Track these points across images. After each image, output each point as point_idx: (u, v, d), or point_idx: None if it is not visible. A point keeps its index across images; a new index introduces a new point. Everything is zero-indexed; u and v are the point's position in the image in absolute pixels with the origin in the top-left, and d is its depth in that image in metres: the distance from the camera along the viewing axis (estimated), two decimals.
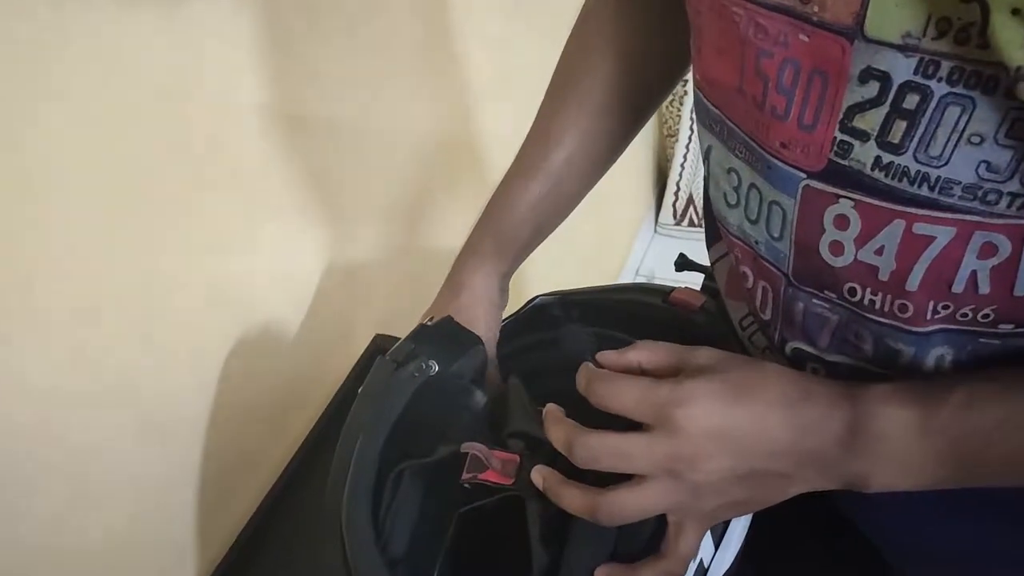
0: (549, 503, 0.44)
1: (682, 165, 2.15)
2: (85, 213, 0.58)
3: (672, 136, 2.12)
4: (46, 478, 0.59)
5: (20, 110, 0.53)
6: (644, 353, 0.46)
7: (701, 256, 0.74)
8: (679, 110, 2.07)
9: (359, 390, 0.52)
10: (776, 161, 0.43)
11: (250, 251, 0.77)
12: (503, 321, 0.64)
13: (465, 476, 0.46)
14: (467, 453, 0.47)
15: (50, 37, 0.53)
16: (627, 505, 0.42)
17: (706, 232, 0.66)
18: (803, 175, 0.42)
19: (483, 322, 0.59)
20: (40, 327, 0.56)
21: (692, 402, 0.41)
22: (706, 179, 0.54)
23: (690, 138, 2.11)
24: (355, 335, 0.98)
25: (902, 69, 0.35)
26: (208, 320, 0.73)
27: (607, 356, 0.47)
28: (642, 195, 2.23)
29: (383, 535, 0.48)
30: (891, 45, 0.35)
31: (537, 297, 0.66)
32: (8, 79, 0.51)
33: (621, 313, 0.64)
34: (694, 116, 2.24)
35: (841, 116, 0.38)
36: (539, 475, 0.45)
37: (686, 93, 2.03)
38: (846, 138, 0.39)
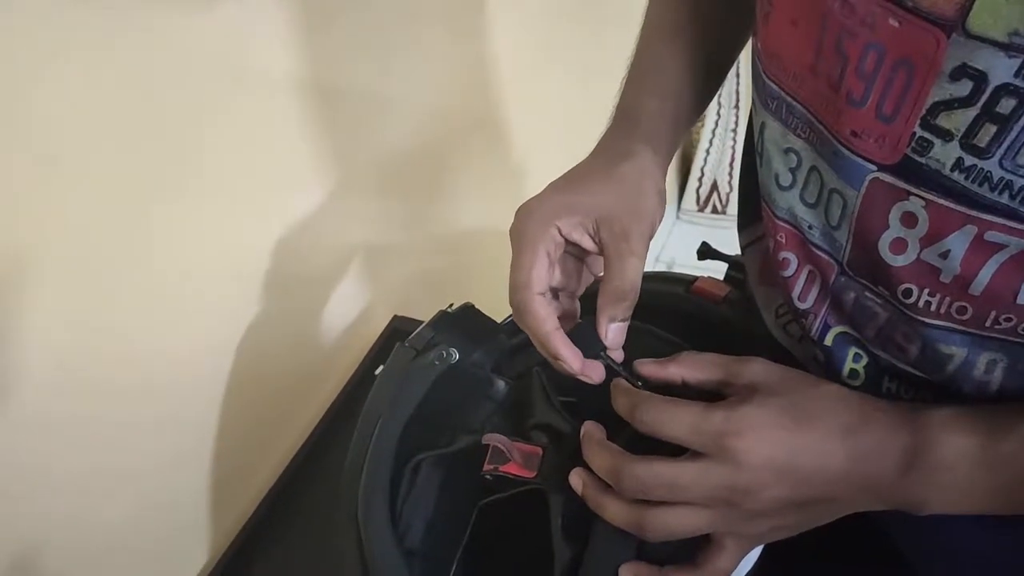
0: (571, 497, 0.43)
1: (707, 151, 2.12)
2: (103, 189, 0.58)
3: (698, 120, 2.09)
4: (57, 461, 0.59)
5: (49, 87, 0.52)
6: (687, 369, 0.44)
7: (723, 244, 0.72)
8: None
9: (376, 374, 0.51)
10: (844, 149, 0.41)
11: (266, 229, 0.76)
12: None
13: (486, 468, 0.45)
14: (488, 444, 0.46)
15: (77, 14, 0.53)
16: (675, 525, 0.41)
17: (739, 214, 0.64)
18: (873, 167, 0.40)
19: (650, 198, 0.49)
20: (46, 308, 0.56)
21: (749, 431, 0.39)
22: (757, 157, 0.51)
23: (716, 123, 2.08)
24: (373, 315, 0.97)
25: (1002, 70, 0.33)
26: (223, 298, 0.72)
27: (647, 366, 0.45)
28: (666, 180, 2.21)
29: (400, 525, 0.48)
30: (994, 43, 0.32)
31: None
32: (40, 53, 0.51)
33: (643, 301, 0.62)
34: (728, 96, 2.17)
35: (924, 112, 0.36)
36: (578, 479, 0.44)
37: None
38: (927, 135, 0.37)
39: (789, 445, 0.39)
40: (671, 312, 0.61)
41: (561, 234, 0.47)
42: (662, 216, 0.50)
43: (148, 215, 0.62)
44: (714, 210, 2.20)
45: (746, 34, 0.62)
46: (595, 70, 1.45)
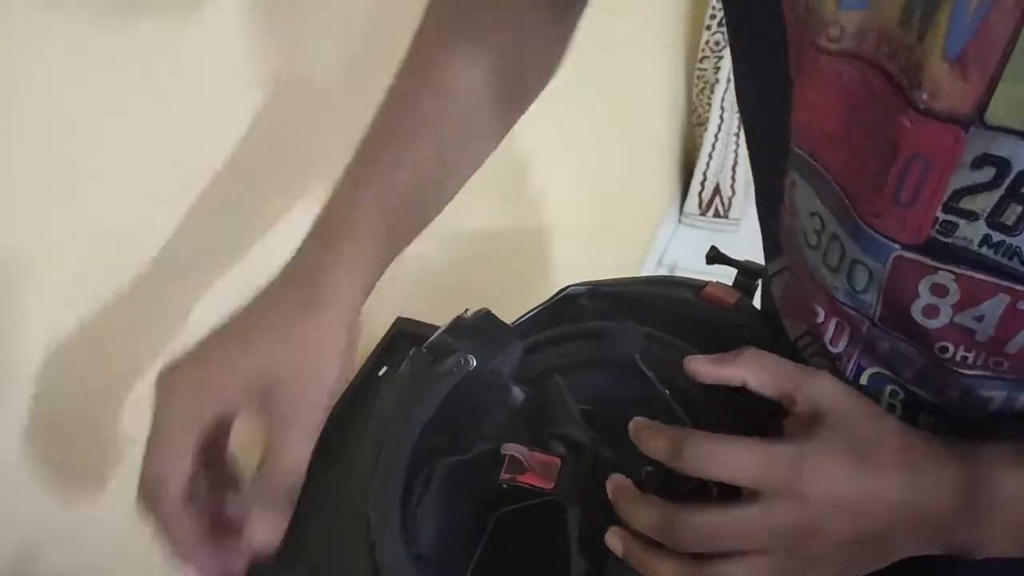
0: (590, 511, 0.43)
1: (710, 155, 2.12)
2: (107, 191, 0.57)
3: (701, 125, 2.09)
4: (54, 468, 0.58)
5: (54, 87, 0.51)
6: (751, 371, 0.42)
7: (726, 248, 0.72)
8: (709, 98, 2.04)
9: (380, 375, 0.51)
10: (866, 227, 0.40)
11: (270, 229, 0.76)
12: (531, 311, 0.62)
13: (504, 477, 0.45)
14: (506, 454, 0.45)
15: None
16: None
17: (765, 247, 0.63)
18: (896, 246, 0.39)
19: (337, 355, 0.43)
20: (50, 308, 0.55)
21: (817, 470, 0.38)
22: (784, 207, 0.49)
23: (719, 127, 2.07)
24: (377, 317, 0.96)
25: None
26: (226, 299, 0.71)
27: (700, 364, 0.43)
28: (667, 183, 2.20)
29: (412, 531, 0.47)
30: (1015, 132, 0.32)
31: (569, 287, 0.64)
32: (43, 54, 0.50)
33: (652, 306, 0.62)
34: (731, 101, 2.19)
35: (946, 199, 0.36)
36: (617, 541, 0.41)
37: (717, 81, 1.99)
38: (950, 218, 0.36)
39: (854, 481, 0.38)
40: (680, 318, 0.60)
41: (213, 412, 0.42)
42: (352, 365, 0.44)
43: (151, 215, 0.61)
44: (716, 214, 2.20)
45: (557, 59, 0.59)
46: (601, 65, 1.44)
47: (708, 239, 0.76)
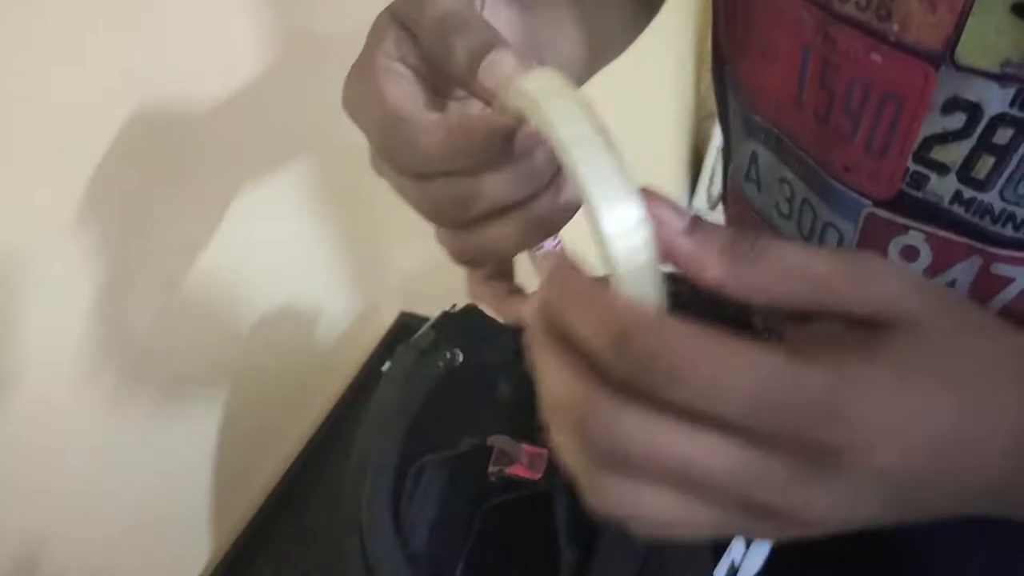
0: (578, 500, 0.43)
1: (719, 148, 2.11)
2: (110, 187, 0.57)
3: (709, 117, 2.08)
4: (61, 458, 0.59)
5: (56, 83, 0.51)
6: (769, 280, 0.23)
7: None
8: None
9: (383, 370, 0.51)
10: (837, 184, 0.40)
11: (273, 225, 0.76)
12: None
13: (492, 469, 0.45)
14: (493, 446, 0.45)
15: None
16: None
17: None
18: (867, 202, 0.39)
19: None
20: (50, 306, 0.55)
21: (874, 406, 0.21)
22: (754, 185, 0.49)
23: None
24: (380, 312, 0.96)
25: (996, 100, 0.32)
26: (231, 295, 0.72)
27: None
28: (675, 179, 2.19)
29: (403, 529, 0.47)
30: (986, 74, 0.31)
31: None
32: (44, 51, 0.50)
33: None
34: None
35: (916, 147, 0.35)
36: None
37: None
38: (921, 169, 0.35)
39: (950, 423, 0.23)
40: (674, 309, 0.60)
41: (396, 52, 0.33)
42: None
43: (152, 211, 0.61)
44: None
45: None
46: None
47: None
